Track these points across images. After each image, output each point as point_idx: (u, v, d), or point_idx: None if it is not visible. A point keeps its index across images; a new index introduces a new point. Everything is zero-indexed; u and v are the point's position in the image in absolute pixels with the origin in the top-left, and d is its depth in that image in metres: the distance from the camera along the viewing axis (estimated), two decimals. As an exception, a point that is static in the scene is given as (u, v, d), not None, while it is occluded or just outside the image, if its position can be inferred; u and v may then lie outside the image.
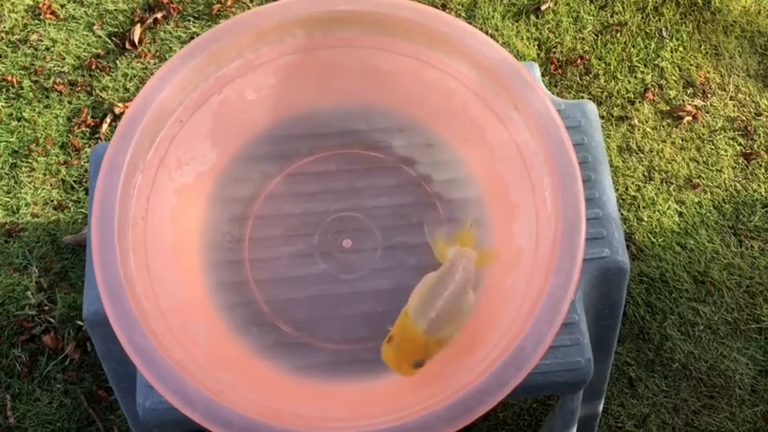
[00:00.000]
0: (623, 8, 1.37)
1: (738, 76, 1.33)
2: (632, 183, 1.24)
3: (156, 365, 0.61)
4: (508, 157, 0.73)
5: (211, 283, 0.74)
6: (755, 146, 1.27)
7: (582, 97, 1.30)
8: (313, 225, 0.77)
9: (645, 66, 1.33)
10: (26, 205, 1.21)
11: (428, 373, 0.66)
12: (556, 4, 1.37)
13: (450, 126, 0.78)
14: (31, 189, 1.22)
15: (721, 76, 1.32)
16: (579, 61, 1.32)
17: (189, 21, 1.35)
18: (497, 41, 1.30)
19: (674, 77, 1.32)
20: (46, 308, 1.15)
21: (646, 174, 1.25)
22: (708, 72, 1.33)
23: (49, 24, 1.34)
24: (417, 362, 0.65)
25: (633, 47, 1.34)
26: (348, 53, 0.77)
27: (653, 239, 1.21)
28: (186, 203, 0.74)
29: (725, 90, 1.32)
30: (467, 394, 0.60)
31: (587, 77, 1.32)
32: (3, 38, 1.33)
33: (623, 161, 1.26)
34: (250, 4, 1.37)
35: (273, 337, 0.73)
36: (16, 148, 1.25)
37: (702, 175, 1.25)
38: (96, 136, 1.26)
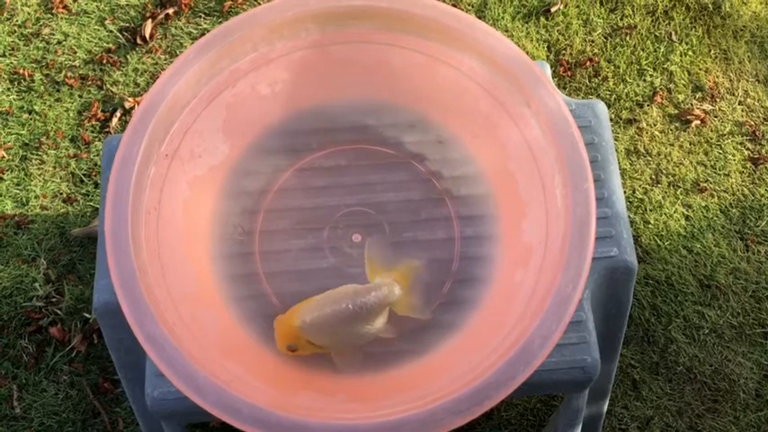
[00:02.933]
0: (633, 11, 1.37)
1: (747, 80, 1.33)
2: (639, 186, 1.25)
3: (168, 354, 0.62)
4: (519, 154, 0.73)
5: (222, 274, 0.74)
6: (763, 151, 1.27)
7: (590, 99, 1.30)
8: (323, 219, 0.78)
9: (654, 69, 1.33)
10: (35, 197, 1.22)
11: (436, 365, 0.66)
12: (566, 6, 1.37)
13: (461, 122, 0.78)
14: (40, 181, 1.23)
15: (730, 80, 1.33)
16: (588, 64, 1.33)
17: (200, 17, 1.36)
18: (507, 42, 1.31)
19: (682, 81, 1.32)
20: (53, 300, 1.15)
21: (653, 177, 1.25)
22: (717, 76, 1.33)
23: (62, 18, 1.35)
24: (289, 346, 0.68)
25: (642, 50, 1.34)
26: (361, 49, 0.77)
27: (659, 242, 1.21)
28: (198, 195, 0.75)
29: (734, 94, 1.32)
30: (475, 388, 0.61)
31: (596, 80, 1.32)
32: (15, 31, 1.34)
33: (631, 164, 1.26)
34: (261, 1, 1.38)
35: (282, 330, 0.73)
36: (27, 141, 1.26)
37: (710, 179, 1.25)
38: (106, 130, 1.26)
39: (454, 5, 1.37)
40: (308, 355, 0.69)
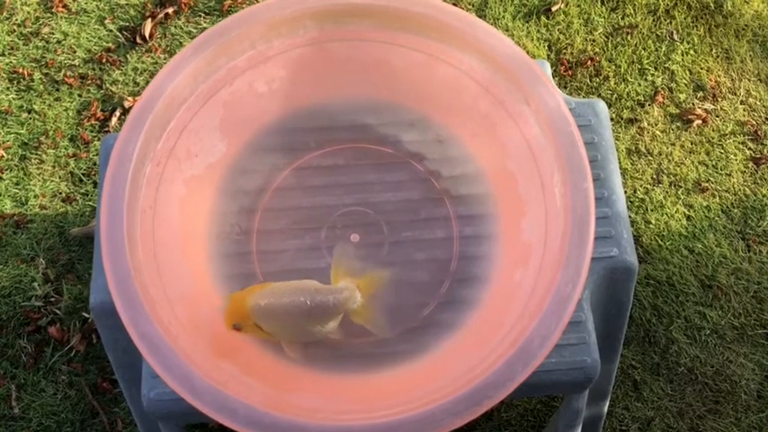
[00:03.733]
0: (634, 10, 1.37)
1: (749, 80, 1.32)
2: (641, 185, 1.24)
3: (163, 354, 0.61)
4: (518, 153, 0.72)
5: (219, 274, 0.74)
6: (765, 150, 1.27)
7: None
8: (321, 219, 0.77)
9: (655, 68, 1.32)
10: (35, 197, 1.21)
11: (435, 366, 0.66)
12: (567, 5, 1.37)
13: (460, 121, 0.78)
14: (39, 181, 1.22)
15: (732, 79, 1.32)
16: (589, 63, 1.32)
17: (200, 16, 1.35)
18: (508, 42, 1.30)
19: (684, 81, 1.32)
20: (52, 299, 1.15)
21: (654, 176, 1.25)
22: (718, 76, 1.32)
23: (61, 17, 1.35)
24: (235, 324, 0.67)
25: (644, 49, 1.34)
26: (360, 47, 0.77)
27: (660, 242, 1.20)
28: (195, 194, 0.74)
29: (735, 94, 1.31)
30: (474, 388, 0.60)
31: (597, 79, 1.31)
32: (15, 30, 1.34)
33: (632, 163, 1.26)
34: (260, 0, 1.37)
35: (279, 330, 0.73)
36: (26, 140, 1.25)
37: (711, 178, 1.25)
38: (105, 129, 1.26)
39: (454, 4, 1.36)
40: (251, 336, 0.68)
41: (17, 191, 1.22)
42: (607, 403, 1.00)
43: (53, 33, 1.33)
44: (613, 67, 1.32)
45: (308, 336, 0.68)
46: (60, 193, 1.22)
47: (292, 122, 0.79)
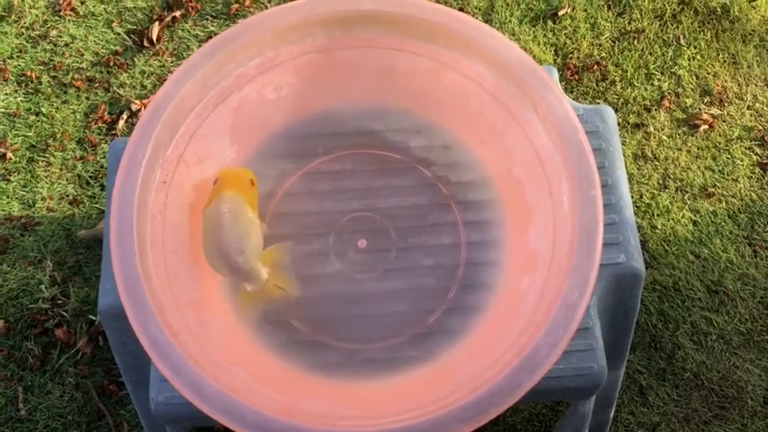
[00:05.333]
0: (641, 15, 1.37)
1: (756, 85, 1.32)
2: (647, 190, 1.24)
3: (172, 359, 0.61)
4: (525, 160, 0.72)
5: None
6: (772, 156, 1.27)
7: (598, 104, 1.30)
8: (329, 224, 0.78)
9: (662, 73, 1.32)
10: (42, 199, 1.22)
11: (442, 372, 0.66)
12: (573, 9, 1.37)
13: (467, 128, 0.78)
14: (47, 183, 1.23)
15: (739, 85, 1.32)
16: (596, 67, 1.32)
17: (207, 19, 1.36)
18: (514, 46, 1.30)
19: (690, 85, 1.32)
20: (59, 302, 1.15)
21: (660, 181, 1.25)
22: (725, 81, 1.32)
23: (69, 21, 1.35)
24: None
25: (650, 54, 1.34)
26: (367, 53, 0.77)
27: (666, 248, 1.20)
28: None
29: (742, 99, 1.31)
30: (480, 395, 0.60)
31: (604, 84, 1.31)
32: (23, 33, 1.34)
33: (638, 168, 1.25)
34: (268, 5, 1.38)
35: (287, 335, 0.73)
36: (34, 143, 1.26)
37: (718, 184, 1.25)
38: (113, 132, 1.27)
39: (461, 9, 1.37)
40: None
41: (25, 193, 1.22)
42: (613, 409, 1.00)
43: (61, 36, 1.34)
44: (620, 71, 1.32)
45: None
46: (67, 196, 1.22)
47: (301, 128, 0.80)
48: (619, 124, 1.28)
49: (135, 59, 1.32)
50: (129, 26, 1.35)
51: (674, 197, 1.23)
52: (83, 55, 1.32)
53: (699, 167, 1.26)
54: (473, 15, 1.36)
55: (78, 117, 1.27)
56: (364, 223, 0.78)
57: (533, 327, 0.64)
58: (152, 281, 0.64)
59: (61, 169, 1.24)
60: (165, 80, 0.73)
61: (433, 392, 0.65)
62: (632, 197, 1.23)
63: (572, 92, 1.30)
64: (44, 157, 1.25)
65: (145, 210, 0.67)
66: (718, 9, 1.37)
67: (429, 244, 0.77)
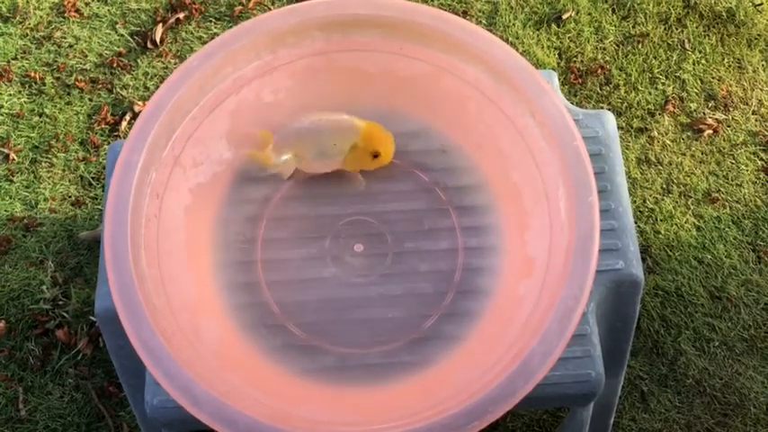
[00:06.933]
0: (646, 19, 1.36)
1: (762, 90, 1.31)
2: (650, 195, 1.23)
3: (164, 363, 0.61)
4: (522, 165, 0.72)
5: (223, 282, 0.74)
6: (777, 161, 1.26)
7: (601, 107, 1.29)
8: (325, 228, 0.77)
9: (666, 77, 1.31)
10: (44, 200, 1.22)
11: (437, 378, 0.65)
12: (577, 13, 1.36)
13: (465, 132, 0.78)
14: (49, 184, 1.23)
15: (744, 89, 1.31)
16: (600, 71, 1.32)
17: (210, 21, 1.36)
18: (518, 49, 1.30)
19: (695, 90, 1.31)
20: (60, 302, 1.15)
21: (664, 186, 1.24)
22: (730, 85, 1.31)
23: (73, 22, 1.35)
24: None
25: (655, 58, 1.33)
26: (365, 57, 0.77)
27: (670, 253, 1.19)
28: (200, 203, 0.74)
29: (747, 104, 1.30)
30: (474, 403, 0.60)
31: (607, 88, 1.31)
32: (27, 34, 1.35)
33: (642, 173, 1.25)
34: (272, 6, 1.38)
35: (282, 339, 0.73)
36: (37, 144, 1.26)
37: (722, 189, 1.24)
38: (115, 134, 1.27)
39: (465, 13, 1.36)
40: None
41: (27, 194, 1.23)
42: (613, 416, 0.99)
43: (65, 38, 1.34)
44: (624, 75, 1.31)
45: (323, 153, 0.75)
46: (70, 197, 1.23)
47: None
48: (622, 128, 1.28)
49: (138, 61, 1.32)
50: (132, 28, 1.35)
51: (677, 202, 1.23)
52: (86, 56, 1.33)
53: (703, 172, 1.25)
54: (477, 19, 1.36)
55: (81, 118, 1.28)
56: (360, 227, 0.77)
57: (528, 334, 0.64)
58: (146, 284, 0.64)
59: (64, 170, 1.24)
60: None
61: (427, 399, 0.64)
62: (635, 202, 1.22)
63: (575, 95, 1.30)
64: (47, 158, 1.25)
65: (139, 213, 0.67)
66: (724, 13, 1.36)
67: (426, 249, 0.76)
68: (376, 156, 0.76)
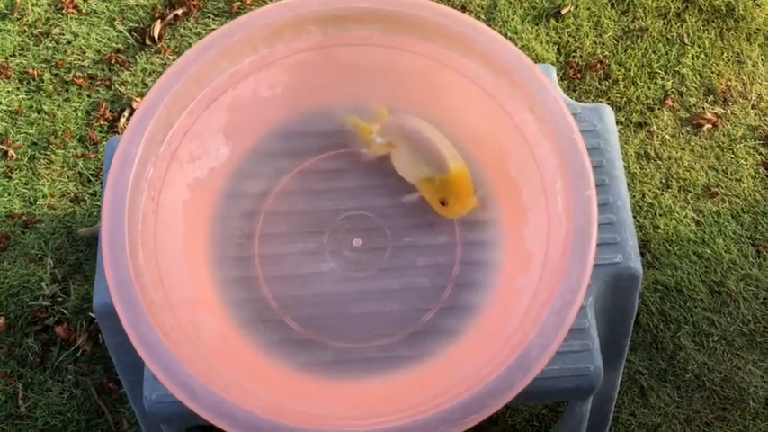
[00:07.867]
0: (645, 14, 1.36)
1: (761, 84, 1.31)
2: (649, 190, 1.23)
3: (162, 358, 0.61)
4: (521, 159, 0.72)
5: (221, 277, 0.74)
6: (776, 156, 1.26)
7: (601, 102, 1.29)
8: (324, 223, 0.77)
9: (665, 72, 1.31)
10: (43, 197, 1.22)
11: (435, 372, 0.65)
12: (576, 8, 1.36)
13: (463, 126, 0.78)
14: (48, 181, 1.23)
15: (743, 84, 1.31)
16: (599, 66, 1.31)
17: (209, 17, 1.36)
18: (516, 44, 1.30)
19: (694, 85, 1.31)
20: (59, 299, 1.15)
21: (663, 181, 1.24)
22: (729, 80, 1.31)
23: (71, 18, 1.35)
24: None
25: (654, 53, 1.33)
26: (363, 52, 0.76)
27: (669, 247, 1.19)
28: (198, 198, 0.74)
29: (746, 98, 1.30)
30: (471, 396, 0.60)
31: (606, 83, 1.31)
32: (25, 31, 1.34)
33: (641, 168, 1.25)
34: (270, 1, 1.37)
35: (281, 334, 0.73)
36: (35, 141, 1.26)
37: (721, 183, 1.24)
38: (114, 130, 1.27)
39: (464, 7, 1.36)
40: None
41: (26, 191, 1.23)
42: (612, 410, 0.99)
43: (63, 34, 1.34)
44: (623, 70, 1.31)
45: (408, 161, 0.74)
46: (69, 194, 1.23)
47: (296, 127, 0.79)
48: (622, 123, 1.27)
49: (137, 57, 1.32)
50: (131, 24, 1.35)
51: (676, 197, 1.22)
52: (85, 53, 1.33)
53: (702, 167, 1.25)
54: (475, 13, 1.36)
55: (80, 115, 1.28)
56: (359, 222, 0.77)
57: (526, 327, 0.64)
58: (143, 279, 0.64)
59: (62, 167, 1.24)
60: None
61: (423, 392, 0.64)
62: (635, 197, 1.22)
63: (575, 90, 1.30)
64: (45, 154, 1.25)
65: (137, 208, 0.67)
66: (723, 8, 1.36)
67: (424, 243, 0.76)
68: (443, 203, 0.74)
